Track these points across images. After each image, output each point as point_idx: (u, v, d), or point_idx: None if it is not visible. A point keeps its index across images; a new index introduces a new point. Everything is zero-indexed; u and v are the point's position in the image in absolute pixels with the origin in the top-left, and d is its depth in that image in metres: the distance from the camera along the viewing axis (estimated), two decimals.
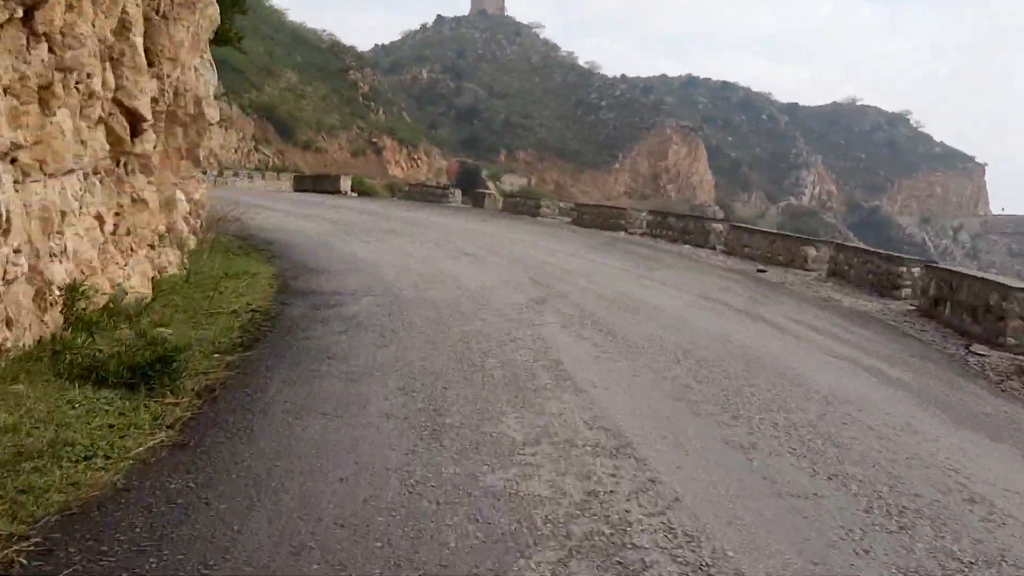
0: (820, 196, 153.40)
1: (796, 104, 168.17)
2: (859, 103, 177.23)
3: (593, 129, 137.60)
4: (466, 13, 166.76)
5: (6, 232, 6.93)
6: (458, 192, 33.06)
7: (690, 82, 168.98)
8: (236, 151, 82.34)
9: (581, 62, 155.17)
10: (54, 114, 7.99)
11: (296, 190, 36.03)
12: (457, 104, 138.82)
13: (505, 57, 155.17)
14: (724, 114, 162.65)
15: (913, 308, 15.60)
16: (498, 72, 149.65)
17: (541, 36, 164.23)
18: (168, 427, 6.24)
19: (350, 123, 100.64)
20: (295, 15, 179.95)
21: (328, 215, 25.22)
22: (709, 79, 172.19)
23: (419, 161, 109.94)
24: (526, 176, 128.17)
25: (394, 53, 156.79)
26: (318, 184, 35.26)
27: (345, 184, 34.61)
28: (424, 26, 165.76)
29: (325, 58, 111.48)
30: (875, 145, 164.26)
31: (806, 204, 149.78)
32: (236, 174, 65.69)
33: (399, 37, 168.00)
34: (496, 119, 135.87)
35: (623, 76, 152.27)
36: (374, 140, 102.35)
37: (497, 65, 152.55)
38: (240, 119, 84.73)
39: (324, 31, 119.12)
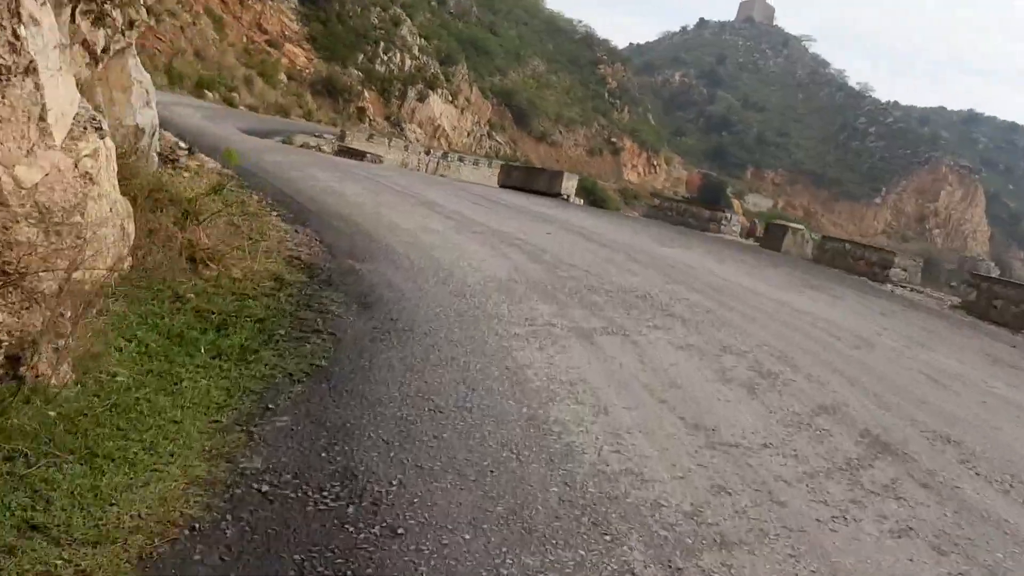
0: None
1: None
2: None
3: (856, 156, 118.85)
4: (731, 19, 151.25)
5: None
6: (735, 218, 20.67)
7: (971, 118, 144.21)
8: (469, 135, 73.52)
9: (852, 83, 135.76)
10: None
11: (502, 185, 24.73)
12: (708, 112, 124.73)
13: (768, 68, 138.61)
14: (1008, 158, 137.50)
15: None
16: (758, 83, 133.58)
17: (810, 50, 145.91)
18: None
19: (591, 119, 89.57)
20: (553, 3, 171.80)
21: (531, 235, 13.82)
22: (994, 117, 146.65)
23: (658, 168, 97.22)
24: (773, 198, 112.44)
25: (648, 53, 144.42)
26: (530, 180, 23.78)
27: (568, 185, 22.94)
28: (684, 28, 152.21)
29: (577, 49, 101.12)
30: None
31: None
32: (461, 159, 56.54)
33: (656, 38, 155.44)
34: (748, 133, 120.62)
35: (895, 103, 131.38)
36: (613, 140, 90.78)
37: (758, 76, 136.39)
38: (479, 102, 75.89)
39: (580, 22, 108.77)
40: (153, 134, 10.67)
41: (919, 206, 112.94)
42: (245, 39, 55.81)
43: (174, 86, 42.71)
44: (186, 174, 13.19)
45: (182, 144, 15.51)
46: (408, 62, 66.91)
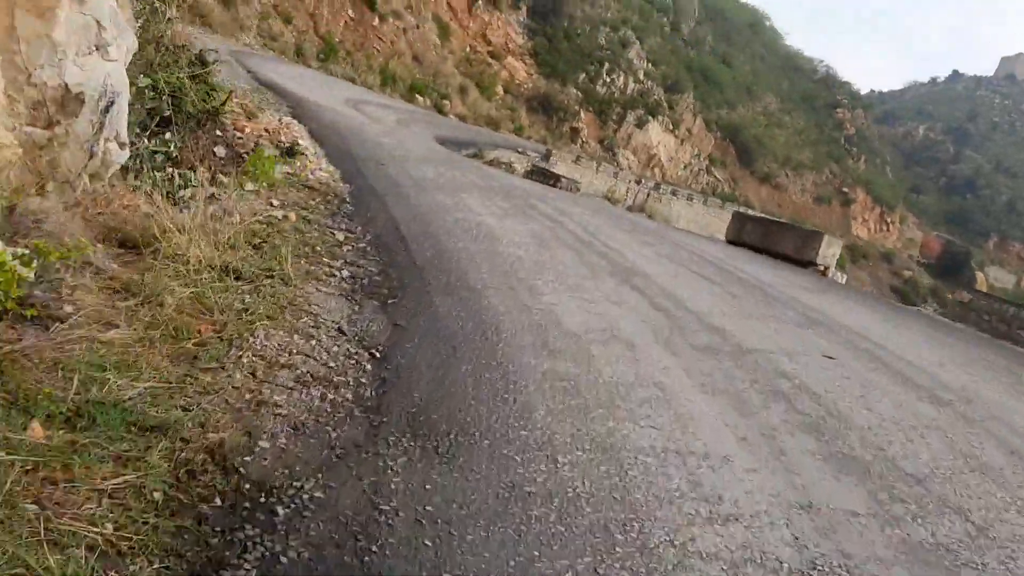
0: None
1: None
2: None
3: None
4: (990, 73, 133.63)
5: None
6: None
7: None
8: (686, 167, 66.54)
9: None
10: None
11: (731, 241, 17.97)
12: (951, 172, 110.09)
13: None
14: None
15: None
16: (1012, 146, 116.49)
17: None
18: None
19: (822, 164, 79.72)
20: (793, 40, 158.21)
21: (804, 362, 7.44)
22: None
23: (891, 226, 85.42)
24: (1017, 274, 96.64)
25: (890, 102, 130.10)
26: (771, 238, 16.68)
27: (828, 253, 15.78)
28: (934, 80, 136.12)
29: (814, 90, 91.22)
30: None
31: None
32: (675, 192, 50.27)
33: (901, 86, 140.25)
34: (996, 199, 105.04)
35: None
36: (844, 190, 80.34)
37: (1013, 138, 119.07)
38: (701, 134, 68.77)
39: (820, 62, 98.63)
40: (108, 107, 5.33)
41: None
42: (468, 48, 52.30)
43: (386, 87, 39.30)
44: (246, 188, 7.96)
45: (283, 139, 10.40)
46: (631, 86, 61.24)
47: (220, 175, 7.91)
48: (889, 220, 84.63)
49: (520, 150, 35.64)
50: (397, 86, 40.94)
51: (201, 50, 8.78)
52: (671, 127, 63.36)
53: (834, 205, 78.36)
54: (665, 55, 69.00)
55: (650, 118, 60.88)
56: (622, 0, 67.45)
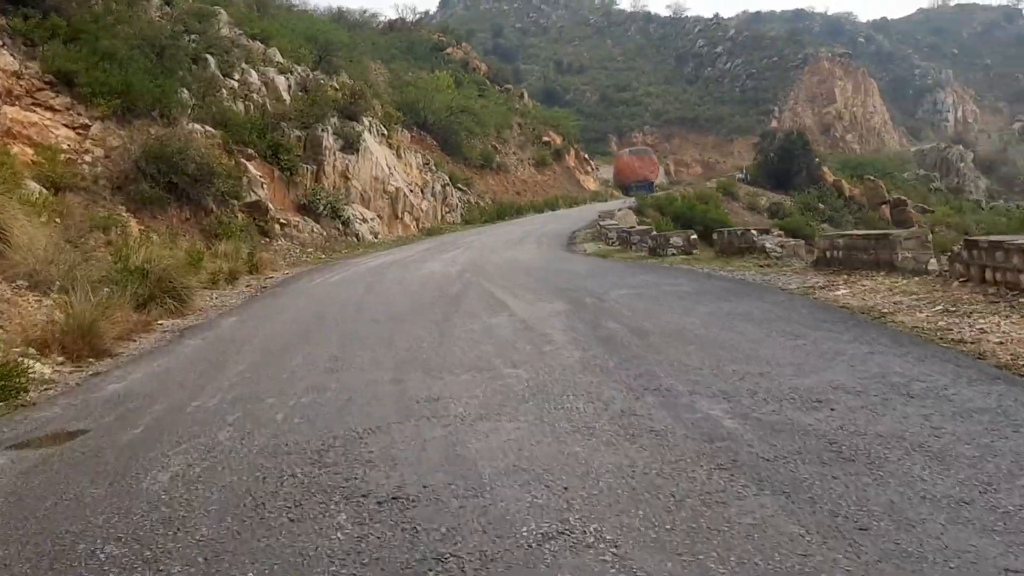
0: (965, 120, 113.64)
1: (885, 19, 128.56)
2: (953, 2, 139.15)
3: (717, 85, 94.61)
4: None
5: None
6: None
7: (755, 19, 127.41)
8: (424, 188, 36.00)
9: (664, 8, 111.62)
10: None
11: None
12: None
13: (557, 23, 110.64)
14: (811, 47, 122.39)
15: None
16: (557, 44, 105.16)
17: None
18: None
19: (507, 119, 54.81)
20: None
21: None
22: (773, 11, 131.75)
23: (587, 163, 64.82)
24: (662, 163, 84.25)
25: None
26: None
27: None
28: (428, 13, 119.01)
29: (399, 38, 65.15)
30: (1000, 46, 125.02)
31: (953, 133, 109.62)
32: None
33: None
34: (584, 100, 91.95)
35: (718, 15, 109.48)
36: (545, 140, 56.86)
37: (550, 36, 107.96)
38: (398, 134, 38.28)
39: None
40: None
41: (818, 115, 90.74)
42: None
43: None
44: None
45: None
46: (282, 82, 28.51)
47: None
48: (585, 156, 63.68)
49: None
50: None
51: None
52: (384, 133, 32.12)
53: (552, 164, 54.28)
54: (256, 20, 36.16)
55: (357, 127, 29.04)
56: None
